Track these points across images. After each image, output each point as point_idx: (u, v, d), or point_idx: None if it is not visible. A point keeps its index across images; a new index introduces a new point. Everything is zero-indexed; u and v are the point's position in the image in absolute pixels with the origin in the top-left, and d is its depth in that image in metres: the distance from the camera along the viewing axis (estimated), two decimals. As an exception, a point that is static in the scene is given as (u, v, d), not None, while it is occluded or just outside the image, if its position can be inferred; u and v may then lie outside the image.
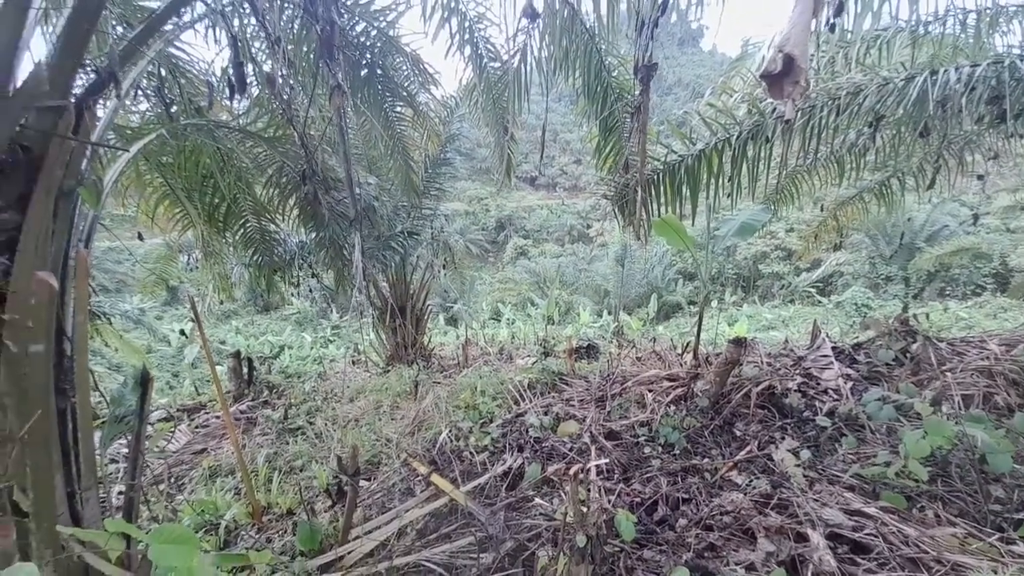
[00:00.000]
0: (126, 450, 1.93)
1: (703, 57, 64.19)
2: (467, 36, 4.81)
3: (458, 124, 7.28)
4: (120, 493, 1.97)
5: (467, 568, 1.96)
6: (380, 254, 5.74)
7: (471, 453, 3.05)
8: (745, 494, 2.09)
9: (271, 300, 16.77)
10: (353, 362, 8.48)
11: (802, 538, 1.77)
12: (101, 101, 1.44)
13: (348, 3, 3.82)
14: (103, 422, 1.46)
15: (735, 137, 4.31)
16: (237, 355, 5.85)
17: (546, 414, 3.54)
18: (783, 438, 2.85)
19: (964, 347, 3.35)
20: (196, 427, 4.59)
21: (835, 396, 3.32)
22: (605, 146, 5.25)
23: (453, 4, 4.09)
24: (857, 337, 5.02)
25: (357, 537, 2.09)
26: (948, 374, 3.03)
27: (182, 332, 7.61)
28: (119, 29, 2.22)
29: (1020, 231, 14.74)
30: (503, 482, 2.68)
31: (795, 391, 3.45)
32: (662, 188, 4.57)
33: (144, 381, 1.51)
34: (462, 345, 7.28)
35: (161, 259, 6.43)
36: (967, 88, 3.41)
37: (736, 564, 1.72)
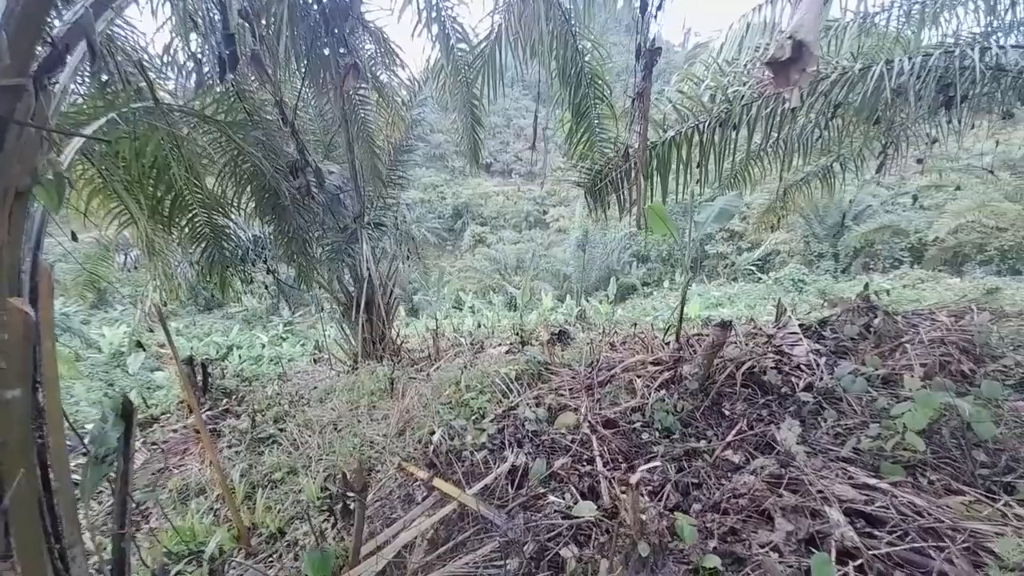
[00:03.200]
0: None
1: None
2: (434, 14, 4.57)
3: (418, 109, 6.97)
4: (98, 541, 1.71)
5: (491, 576, 1.90)
6: (347, 246, 5.42)
7: (470, 452, 2.96)
8: (755, 475, 2.16)
9: (221, 298, 15.58)
10: (315, 360, 8.05)
11: (816, 515, 1.85)
12: (53, 81, 1.18)
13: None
14: (84, 464, 1.23)
15: (705, 124, 4.41)
16: (189, 361, 5.36)
17: (538, 406, 3.51)
18: (771, 415, 2.99)
19: (917, 319, 3.65)
20: (151, 444, 4.16)
21: (809, 371, 3.52)
22: (577, 131, 5.21)
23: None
24: (816, 314, 5.36)
25: (371, 553, 1.96)
26: (908, 346, 3.30)
27: (139, 344, 6.86)
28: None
29: (933, 208, 16.40)
30: (509, 481, 2.62)
31: (772, 368, 3.64)
32: (633, 173, 4.62)
33: (127, 413, 1.29)
34: (432, 337, 7.10)
35: (91, 259, 5.72)
36: (919, 77, 3.66)
37: (760, 546, 1.77)
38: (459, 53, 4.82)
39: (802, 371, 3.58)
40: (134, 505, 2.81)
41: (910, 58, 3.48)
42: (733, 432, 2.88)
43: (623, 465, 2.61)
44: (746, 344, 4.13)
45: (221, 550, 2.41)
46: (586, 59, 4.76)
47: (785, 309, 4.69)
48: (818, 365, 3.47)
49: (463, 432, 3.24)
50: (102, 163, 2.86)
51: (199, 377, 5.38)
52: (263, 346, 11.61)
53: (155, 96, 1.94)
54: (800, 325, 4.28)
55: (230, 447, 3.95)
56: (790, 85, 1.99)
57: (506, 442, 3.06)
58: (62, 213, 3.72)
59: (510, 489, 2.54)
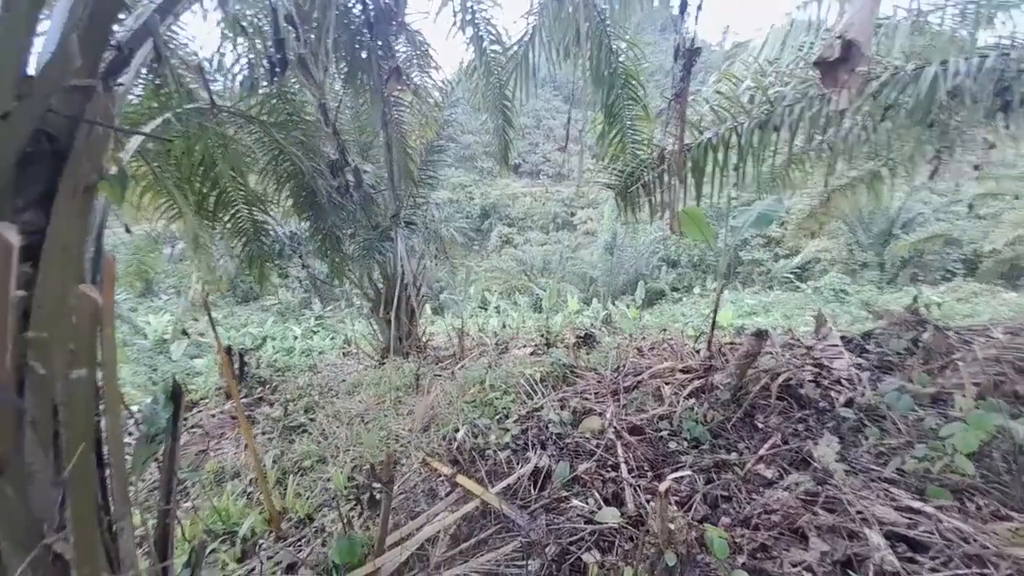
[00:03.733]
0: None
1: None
2: (469, 16, 4.61)
3: (450, 110, 7.06)
4: (145, 516, 1.82)
5: None
6: (378, 244, 5.54)
7: (494, 451, 2.97)
8: (789, 491, 2.08)
9: (256, 290, 16.23)
10: (344, 354, 8.26)
11: (854, 536, 1.76)
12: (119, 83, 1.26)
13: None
14: (135, 443, 1.31)
15: (744, 126, 4.28)
16: (228, 350, 5.60)
17: (563, 408, 3.49)
18: (807, 429, 2.87)
19: (971, 335, 3.43)
20: (192, 427, 4.37)
21: (849, 386, 3.36)
22: (609, 132, 5.15)
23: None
24: (862, 327, 5.12)
25: (395, 544, 2.00)
26: (960, 363, 3.10)
27: (183, 332, 7.25)
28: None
29: (989, 218, 15.35)
30: (531, 482, 2.62)
31: (810, 381, 3.49)
32: (666, 176, 4.52)
33: (176, 395, 1.37)
34: (457, 336, 7.17)
35: (140, 250, 6.07)
36: (975, 79, 3.44)
37: (792, 565, 1.70)
38: (492, 55, 4.85)
39: (843, 385, 3.42)
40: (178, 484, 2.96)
41: (966, 59, 3.28)
42: (767, 446, 2.78)
43: (649, 473, 2.56)
44: (782, 355, 3.98)
45: (253, 531, 2.51)
46: (620, 59, 4.70)
47: (825, 320, 4.49)
48: (860, 380, 3.30)
49: (487, 431, 3.25)
50: (155, 160, 3.04)
51: (236, 366, 5.62)
52: (295, 338, 12.01)
53: (212, 98, 2.04)
54: (842, 337, 4.09)
55: (264, 434, 4.10)
56: (838, 86, 1.91)
57: (529, 443, 3.06)
58: (113, 207, 3.97)
59: (532, 490, 2.54)
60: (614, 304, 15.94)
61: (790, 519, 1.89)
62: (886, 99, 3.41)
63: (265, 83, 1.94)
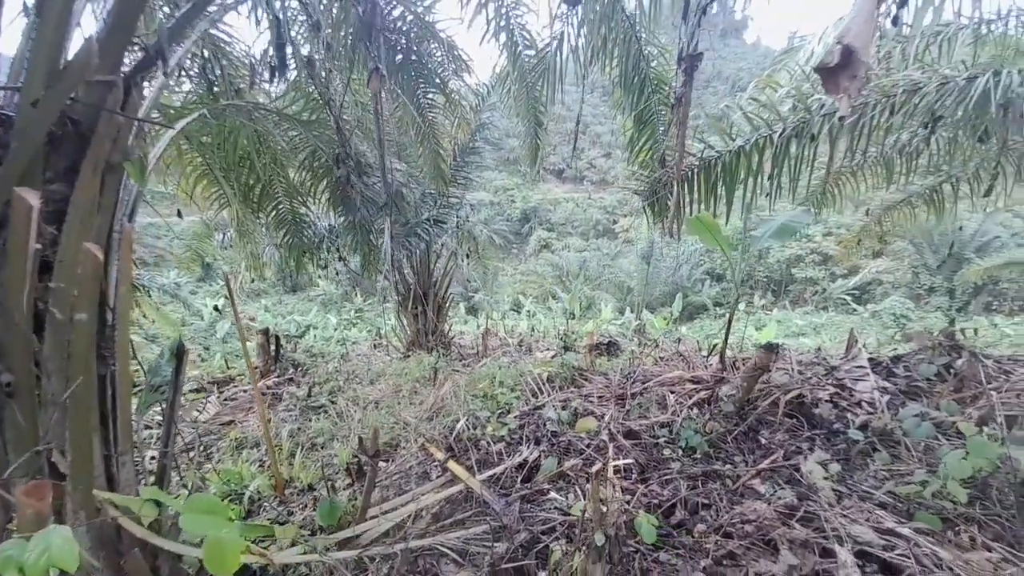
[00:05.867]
0: (160, 418, 2.00)
1: (745, 50, 61.76)
2: (503, 23, 4.74)
3: (488, 113, 7.23)
4: (153, 458, 2.05)
5: (480, 555, 1.97)
6: (406, 240, 5.79)
7: (488, 442, 3.06)
8: (769, 503, 2.03)
9: (299, 281, 17.22)
10: (375, 345, 8.62)
11: (828, 553, 1.70)
12: (148, 79, 1.47)
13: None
14: (140, 390, 1.52)
15: (778, 134, 4.12)
16: (266, 332, 6.03)
17: (564, 408, 3.52)
18: (811, 449, 2.75)
19: (1012, 365, 3.15)
20: (225, 400, 4.77)
21: (869, 409, 3.18)
22: (639, 139, 5.12)
23: (491, -11, 4.02)
24: (896, 349, 4.79)
25: (375, 516, 2.13)
26: (993, 393, 2.85)
27: (216, 308, 7.90)
28: (165, 9, 2.28)
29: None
30: (519, 473, 2.68)
31: (826, 401, 3.33)
32: (696, 185, 4.43)
33: (179, 353, 1.56)
34: (482, 335, 7.32)
35: (197, 236, 6.67)
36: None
37: (756, 574, 1.67)
38: (525, 59, 4.96)
39: (861, 408, 3.23)
40: (190, 439, 3.24)
41: (1020, 71, 3.03)
42: (767, 461, 2.69)
43: (634, 475, 2.55)
44: (800, 372, 3.81)
45: (260, 494, 2.73)
46: (652, 65, 4.67)
47: (856, 340, 4.24)
48: (881, 403, 3.11)
49: (485, 423, 3.34)
50: (204, 152, 3.38)
51: (272, 347, 6.04)
52: (334, 328, 12.65)
53: (255, 100, 2.27)
54: (870, 359, 3.86)
55: (287, 411, 4.41)
56: (840, 92, 1.86)
57: (525, 438, 3.12)
58: (173, 194, 4.42)
59: (518, 482, 2.60)
60: (650, 314, 15.57)
61: (764, 530, 1.85)
62: (923, 109, 3.21)
63: (268, 80, 2.14)
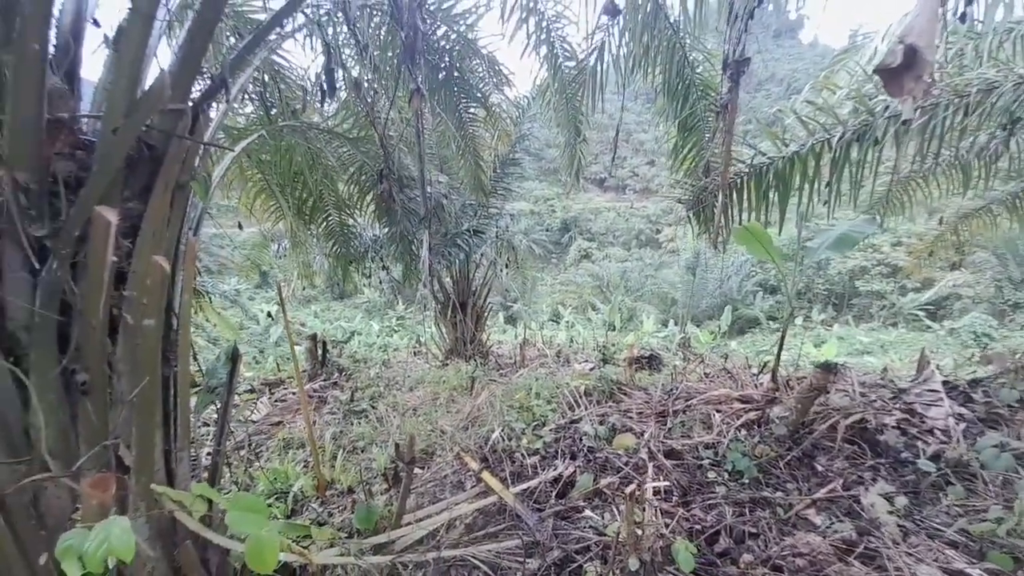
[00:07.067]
0: (215, 417, 2.14)
1: (801, 50, 58.81)
2: (543, 36, 4.78)
3: (528, 124, 7.29)
4: (208, 455, 2.19)
5: (512, 570, 1.95)
6: (445, 250, 5.92)
7: (523, 455, 3.04)
8: (824, 536, 1.87)
9: (347, 288, 18.00)
10: (415, 353, 8.82)
11: (892, 598, 1.55)
12: (213, 104, 1.60)
13: (431, 8, 3.96)
14: (198, 390, 1.63)
15: (836, 138, 3.87)
16: (314, 337, 6.33)
17: (602, 424, 3.44)
18: (875, 480, 2.52)
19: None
20: (275, 401, 5.03)
21: (942, 438, 2.88)
22: (683, 147, 4.98)
23: (531, 4, 4.08)
24: (975, 372, 4.33)
25: (409, 523, 2.16)
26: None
27: (269, 314, 8.40)
28: (231, 40, 2.49)
29: None
30: (553, 488, 2.64)
31: (893, 427, 3.05)
32: (746, 193, 4.24)
33: (234, 356, 1.67)
34: (520, 345, 7.31)
35: (255, 246, 7.14)
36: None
37: (809, 615, 1.54)
38: (565, 71, 4.98)
39: (934, 436, 2.94)
40: (242, 438, 3.43)
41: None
42: (823, 491, 2.50)
43: (674, 497, 2.44)
44: (863, 395, 3.51)
45: (303, 494, 2.85)
46: (697, 71, 4.55)
47: (929, 361, 3.87)
48: (957, 431, 2.81)
49: (520, 435, 3.32)
50: (263, 169, 3.63)
51: (319, 352, 6.32)
52: (377, 335, 13.08)
53: (297, 115, 2.43)
54: (945, 382, 3.50)
55: (331, 413, 4.59)
56: (904, 94, 1.73)
57: (560, 452, 3.07)
58: (235, 207, 4.76)
59: (552, 497, 2.56)
60: (697, 328, 14.97)
61: (818, 565, 1.70)
62: (999, 110, 2.93)
63: (319, 102, 2.27)
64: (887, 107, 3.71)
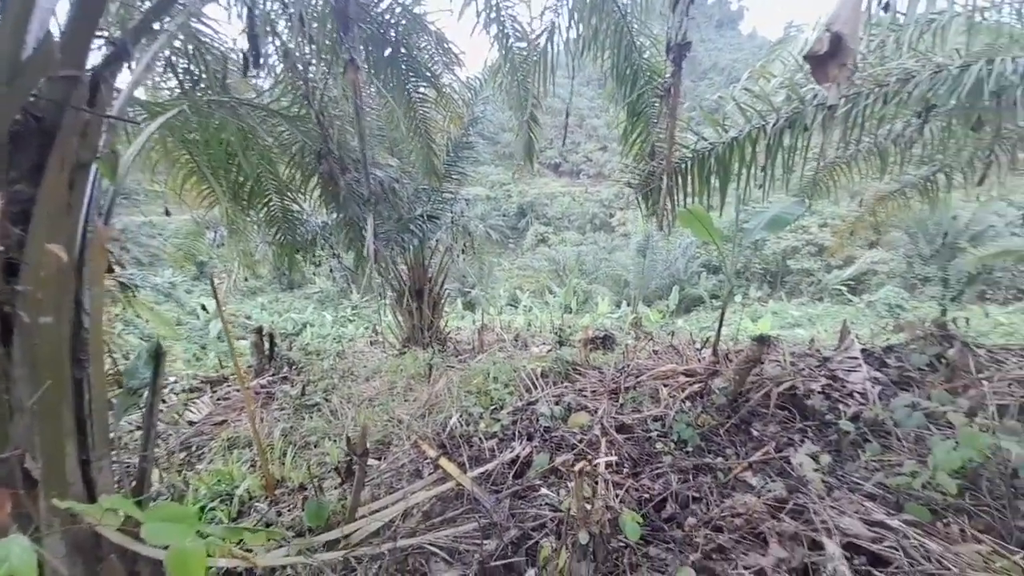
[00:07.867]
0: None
1: (741, 41, 61.44)
2: (493, 14, 4.67)
3: (481, 107, 7.16)
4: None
5: (470, 553, 1.97)
6: (399, 237, 5.75)
7: (480, 439, 3.05)
8: (759, 496, 2.02)
9: (295, 278, 17.15)
10: (371, 342, 8.60)
11: (817, 546, 1.70)
12: (122, 75, 1.43)
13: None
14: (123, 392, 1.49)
15: (771, 125, 4.09)
16: (259, 331, 6.00)
17: (557, 404, 3.51)
18: (803, 441, 2.75)
19: (1004, 355, 3.15)
20: (218, 399, 4.74)
21: (861, 400, 3.18)
22: (632, 131, 5.07)
23: (479, -22, 3.95)
24: (889, 340, 4.80)
25: (363, 516, 2.12)
26: (984, 383, 2.86)
27: (203, 307, 7.86)
28: (147, 3, 2.22)
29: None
30: (510, 470, 2.67)
31: (819, 393, 3.33)
32: (690, 177, 4.40)
33: (157, 355, 1.53)
34: (478, 331, 7.30)
35: (189, 235, 6.61)
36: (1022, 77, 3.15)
37: (745, 568, 1.67)
38: (517, 51, 4.90)
39: (854, 399, 3.24)
40: (177, 441, 3.22)
41: (1013, 59, 3.01)
42: (758, 454, 2.70)
43: (625, 469, 2.55)
44: (793, 364, 3.81)
45: (250, 495, 2.72)
46: (644, 56, 4.61)
47: (849, 331, 4.24)
48: (873, 394, 3.12)
49: (478, 419, 3.34)
50: (191, 149, 3.33)
51: (267, 346, 6.01)
52: (331, 325, 12.61)
53: (227, 90, 2.23)
54: (863, 350, 3.86)
55: (280, 409, 4.39)
56: (829, 80, 1.83)
57: (517, 434, 3.11)
58: (161, 191, 4.36)
59: (510, 478, 2.59)
60: (647, 308, 15.59)
61: (753, 523, 1.84)
62: (914, 98, 3.18)
63: (243, 74, 2.10)
64: (815, 95, 3.95)
